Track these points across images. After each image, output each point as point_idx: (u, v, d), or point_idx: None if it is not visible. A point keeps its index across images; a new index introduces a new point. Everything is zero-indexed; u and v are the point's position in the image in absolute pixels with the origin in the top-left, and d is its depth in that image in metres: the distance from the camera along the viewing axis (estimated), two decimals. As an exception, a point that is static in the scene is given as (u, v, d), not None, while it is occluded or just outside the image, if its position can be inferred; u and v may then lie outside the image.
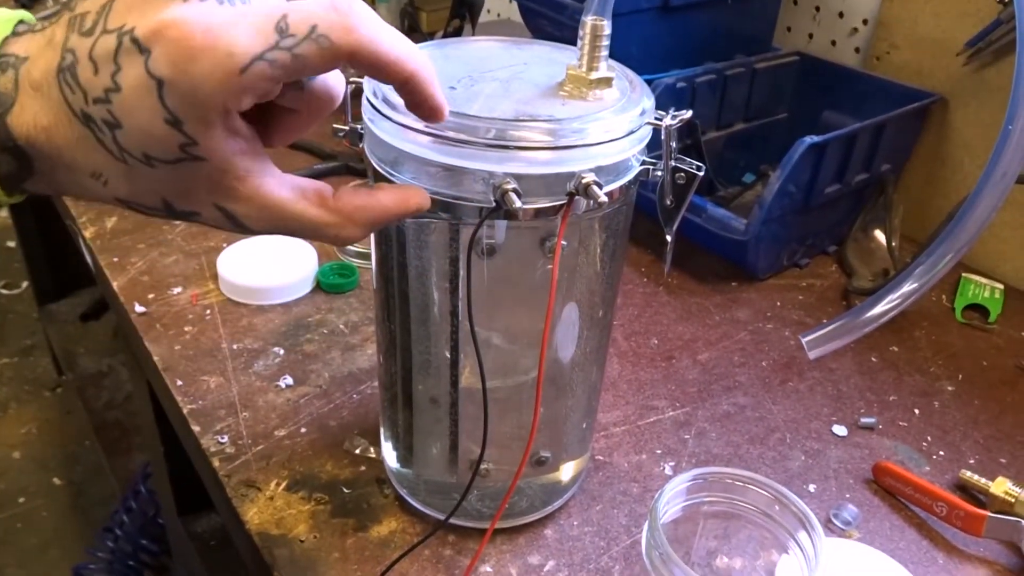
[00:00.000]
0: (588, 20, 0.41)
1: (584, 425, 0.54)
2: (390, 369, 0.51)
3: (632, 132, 0.41)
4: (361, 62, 0.33)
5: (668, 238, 0.47)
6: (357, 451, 0.58)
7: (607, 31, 0.41)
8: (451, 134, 0.38)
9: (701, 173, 0.44)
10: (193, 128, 0.32)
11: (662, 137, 0.43)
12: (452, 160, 0.39)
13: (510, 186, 0.38)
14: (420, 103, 0.36)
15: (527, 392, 0.48)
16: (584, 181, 0.39)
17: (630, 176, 0.43)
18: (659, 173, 0.44)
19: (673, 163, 0.44)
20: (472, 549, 0.52)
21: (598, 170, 0.40)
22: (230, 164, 0.34)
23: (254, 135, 0.35)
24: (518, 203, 0.38)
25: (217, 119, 0.32)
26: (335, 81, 0.37)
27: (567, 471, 0.54)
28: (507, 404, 0.49)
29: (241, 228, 0.36)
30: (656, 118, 0.43)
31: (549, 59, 0.46)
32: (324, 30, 0.32)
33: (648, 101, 0.43)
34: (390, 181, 0.42)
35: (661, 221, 0.47)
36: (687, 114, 0.43)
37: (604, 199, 0.39)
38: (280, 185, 0.36)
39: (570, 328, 0.48)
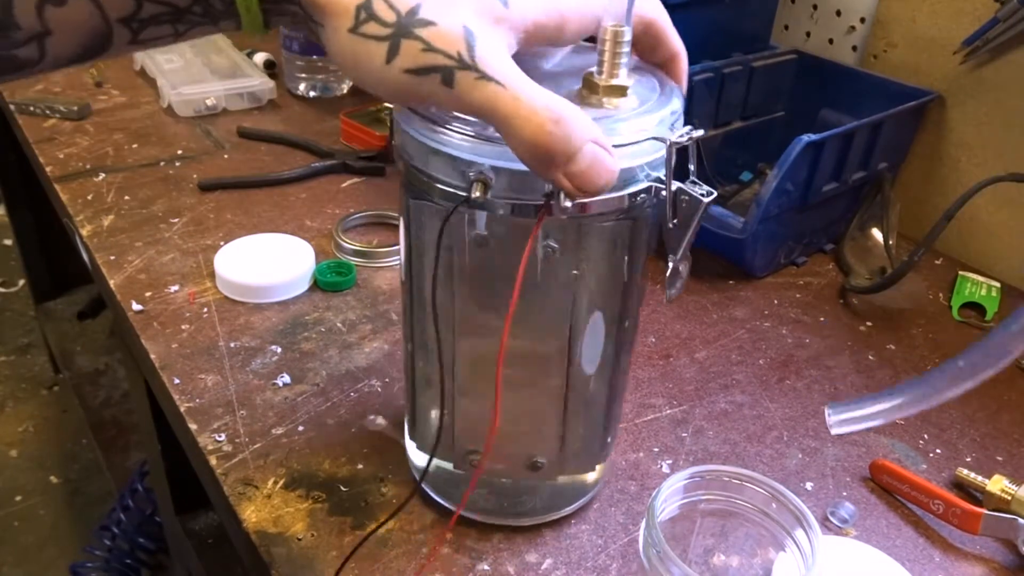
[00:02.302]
0: (608, 26, 0.40)
1: (588, 438, 0.52)
2: (410, 352, 0.51)
3: (623, 145, 0.39)
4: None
5: (670, 263, 0.43)
6: (378, 427, 0.59)
7: (627, 37, 0.40)
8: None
9: (708, 200, 0.41)
10: None
11: (663, 156, 0.40)
12: (432, 144, 0.39)
13: (482, 177, 0.38)
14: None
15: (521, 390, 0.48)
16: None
17: (629, 190, 0.40)
18: (664, 192, 0.41)
19: (676, 184, 0.41)
20: (469, 546, 0.52)
21: None
22: None
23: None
24: (478, 194, 0.38)
25: None
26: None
27: (569, 480, 0.53)
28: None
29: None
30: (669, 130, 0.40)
31: (582, 65, 0.44)
32: None
33: (662, 114, 0.41)
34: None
35: (665, 245, 0.44)
36: (698, 132, 0.40)
37: (567, 205, 0.37)
38: None
39: (592, 339, 0.46)
